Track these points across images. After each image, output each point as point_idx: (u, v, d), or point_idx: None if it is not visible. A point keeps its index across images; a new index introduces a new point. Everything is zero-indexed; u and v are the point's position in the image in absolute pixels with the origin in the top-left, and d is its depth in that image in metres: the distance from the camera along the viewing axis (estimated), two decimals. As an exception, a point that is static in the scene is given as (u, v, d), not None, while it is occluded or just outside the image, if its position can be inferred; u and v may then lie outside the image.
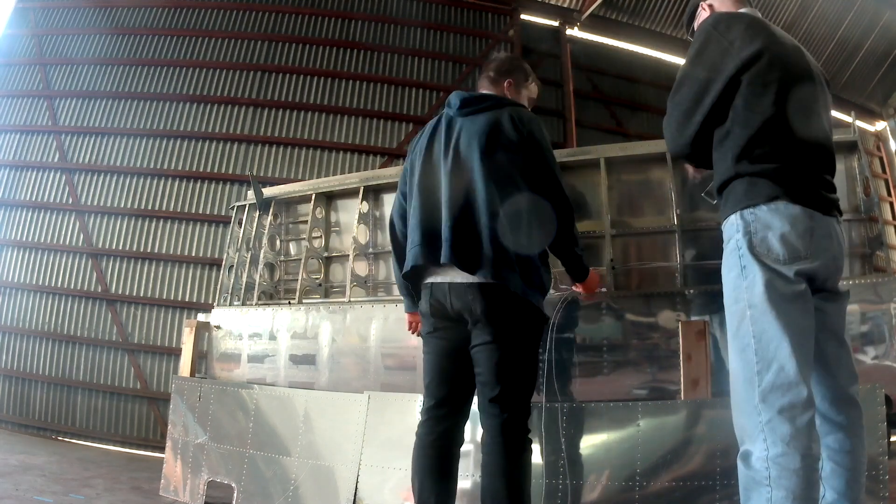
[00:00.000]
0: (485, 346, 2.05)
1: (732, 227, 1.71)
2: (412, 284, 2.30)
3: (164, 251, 7.18)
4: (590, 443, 2.72)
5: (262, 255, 4.27)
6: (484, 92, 2.38)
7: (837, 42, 9.16)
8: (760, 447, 1.52)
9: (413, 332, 2.55)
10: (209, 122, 7.52)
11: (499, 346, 2.03)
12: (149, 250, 7.19)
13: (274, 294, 4.38)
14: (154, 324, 7.03)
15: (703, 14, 2.02)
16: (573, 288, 2.62)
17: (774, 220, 1.63)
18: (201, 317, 4.27)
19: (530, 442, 2.06)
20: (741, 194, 1.69)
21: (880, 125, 10.19)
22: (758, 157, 1.69)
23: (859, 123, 3.18)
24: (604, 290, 3.04)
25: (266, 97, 7.60)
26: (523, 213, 2.10)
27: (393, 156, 7.50)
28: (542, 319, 2.16)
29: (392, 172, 4.29)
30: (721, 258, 1.78)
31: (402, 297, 2.53)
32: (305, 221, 4.17)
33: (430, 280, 2.16)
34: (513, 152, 2.14)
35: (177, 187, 7.33)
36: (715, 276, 1.82)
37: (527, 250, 2.08)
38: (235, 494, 3.43)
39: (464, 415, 2.18)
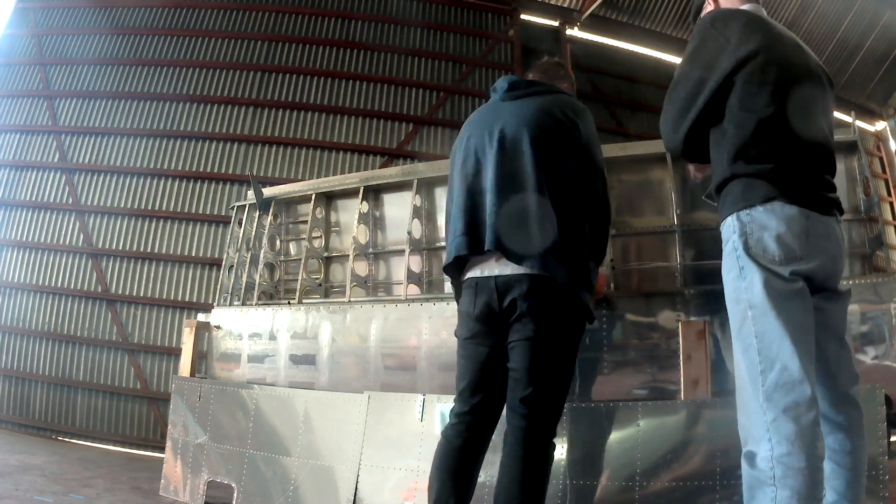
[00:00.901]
0: (524, 342, 1.93)
1: (729, 229, 1.70)
2: (452, 280, 2.19)
3: (164, 251, 7.18)
4: (590, 443, 2.72)
5: (262, 255, 4.27)
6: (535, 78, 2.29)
7: (837, 42, 9.16)
8: (766, 447, 1.51)
9: None
10: (209, 122, 7.52)
11: (538, 344, 1.92)
12: (149, 250, 7.19)
13: (274, 294, 4.38)
14: (154, 324, 7.03)
15: (708, 8, 2.00)
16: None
17: (770, 221, 1.63)
18: (201, 317, 4.27)
19: (554, 448, 1.97)
20: (738, 196, 1.69)
21: (880, 125, 10.19)
22: (753, 157, 1.68)
23: (859, 123, 3.18)
24: (605, 290, 3.03)
25: (266, 97, 7.60)
26: (574, 205, 1.99)
27: (393, 156, 7.50)
28: (587, 318, 2.04)
29: (392, 172, 4.30)
30: (721, 258, 1.77)
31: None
32: (305, 221, 4.17)
33: (472, 274, 2.04)
34: (563, 141, 2.04)
35: (177, 187, 7.33)
36: (715, 276, 1.82)
37: (575, 243, 1.97)
38: (235, 494, 3.43)
39: (494, 423, 2.09)
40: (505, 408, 2.03)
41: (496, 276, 1.96)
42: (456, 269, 2.12)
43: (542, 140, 2.02)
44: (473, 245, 2.01)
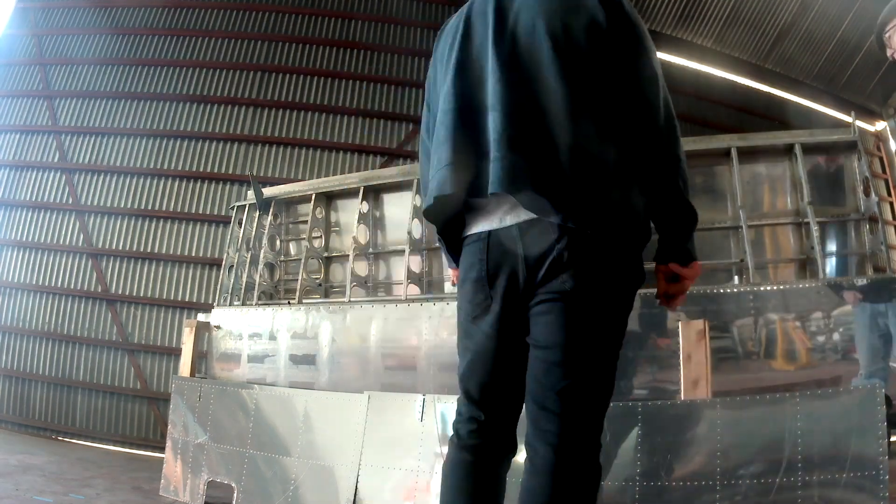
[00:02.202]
0: (555, 303, 1.30)
1: None
2: (439, 227, 1.52)
3: (164, 251, 7.18)
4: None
5: (262, 255, 4.27)
6: None
7: (837, 42, 9.15)
8: None
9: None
10: (209, 122, 7.52)
11: (580, 305, 1.30)
12: (149, 250, 7.19)
13: (274, 294, 4.38)
14: (154, 324, 7.03)
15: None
16: (670, 267, 1.56)
17: None
18: (201, 317, 4.27)
19: (599, 479, 1.37)
20: None
21: (880, 125, 10.18)
22: None
23: (859, 123, 3.18)
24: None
25: (266, 97, 7.60)
26: (618, 129, 1.37)
27: (393, 156, 7.49)
28: (640, 278, 1.48)
29: (392, 172, 4.30)
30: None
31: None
32: (305, 221, 4.17)
33: (482, 228, 1.40)
34: (600, 41, 1.38)
35: (177, 187, 7.33)
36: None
37: (625, 180, 1.37)
38: (235, 494, 3.43)
39: (514, 427, 1.50)
40: (525, 408, 1.39)
41: (519, 224, 1.34)
42: (439, 212, 1.47)
43: (568, 41, 1.39)
44: (464, 182, 1.38)
